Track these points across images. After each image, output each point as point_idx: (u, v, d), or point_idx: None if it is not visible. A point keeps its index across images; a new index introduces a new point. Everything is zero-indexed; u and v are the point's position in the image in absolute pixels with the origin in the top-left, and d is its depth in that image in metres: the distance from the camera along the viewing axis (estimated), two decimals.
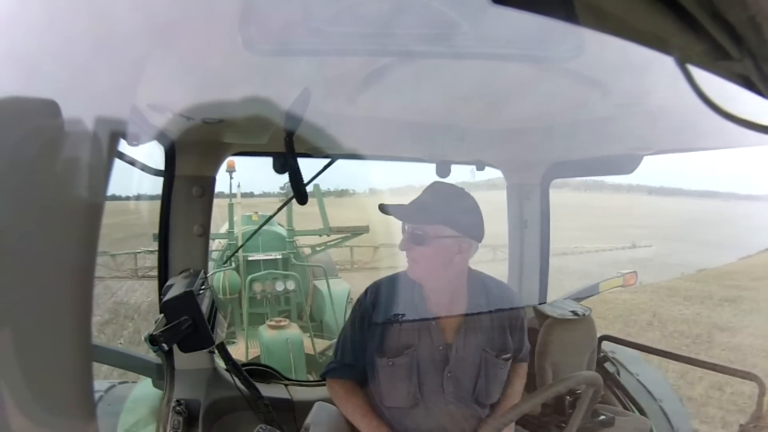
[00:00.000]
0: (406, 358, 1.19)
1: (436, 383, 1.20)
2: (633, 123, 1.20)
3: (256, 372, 1.76)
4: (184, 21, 0.62)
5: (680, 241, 14.38)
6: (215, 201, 1.56)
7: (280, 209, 2.63)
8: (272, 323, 3.92)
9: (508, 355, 1.25)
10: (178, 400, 1.36)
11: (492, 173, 2.09)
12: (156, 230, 1.50)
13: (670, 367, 4.04)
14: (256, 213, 5.77)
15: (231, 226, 5.10)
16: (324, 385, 1.43)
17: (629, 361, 1.98)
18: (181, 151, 1.44)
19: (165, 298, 1.06)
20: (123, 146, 1.12)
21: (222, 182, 4.95)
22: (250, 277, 4.49)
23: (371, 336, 1.22)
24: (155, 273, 1.57)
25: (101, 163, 0.42)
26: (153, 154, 1.43)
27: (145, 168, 1.42)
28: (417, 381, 1.19)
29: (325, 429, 1.28)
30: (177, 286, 1.14)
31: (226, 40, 0.68)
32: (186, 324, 0.99)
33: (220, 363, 1.58)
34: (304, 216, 5.97)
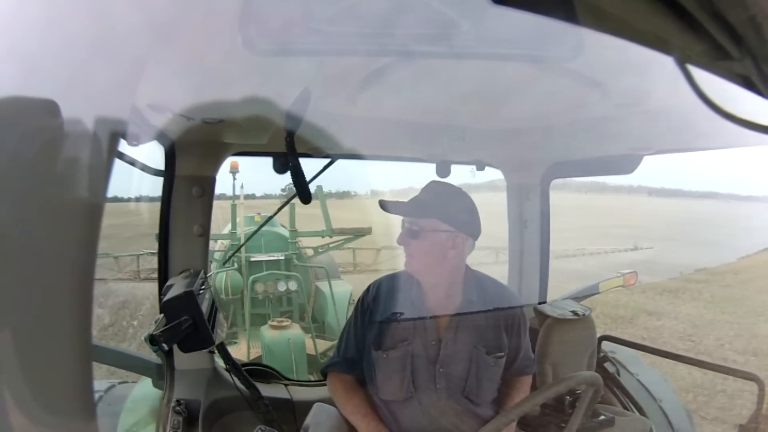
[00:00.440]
0: (400, 351, 1.21)
1: (429, 378, 1.22)
2: (633, 123, 1.20)
3: (256, 372, 1.76)
4: (184, 20, 0.62)
5: (673, 241, 14.47)
6: (217, 202, 1.56)
7: (281, 208, 2.63)
8: (274, 323, 3.92)
9: (502, 354, 1.25)
10: (178, 400, 1.36)
11: (493, 174, 2.10)
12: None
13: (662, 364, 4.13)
14: (259, 214, 5.79)
15: (234, 226, 5.11)
16: (324, 385, 1.44)
17: (629, 361, 1.98)
18: (181, 151, 1.44)
19: (165, 298, 1.06)
20: (123, 146, 1.12)
21: (225, 184, 4.96)
22: (252, 277, 4.49)
23: (371, 330, 1.25)
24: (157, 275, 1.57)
25: (101, 163, 0.42)
26: (153, 154, 1.43)
27: (145, 168, 1.42)
28: (410, 374, 1.21)
29: (325, 429, 1.28)
30: (177, 286, 1.14)
31: (226, 39, 0.68)
32: (186, 324, 1.00)
33: (220, 363, 1.58)
34: (307, 217, 5.96)
